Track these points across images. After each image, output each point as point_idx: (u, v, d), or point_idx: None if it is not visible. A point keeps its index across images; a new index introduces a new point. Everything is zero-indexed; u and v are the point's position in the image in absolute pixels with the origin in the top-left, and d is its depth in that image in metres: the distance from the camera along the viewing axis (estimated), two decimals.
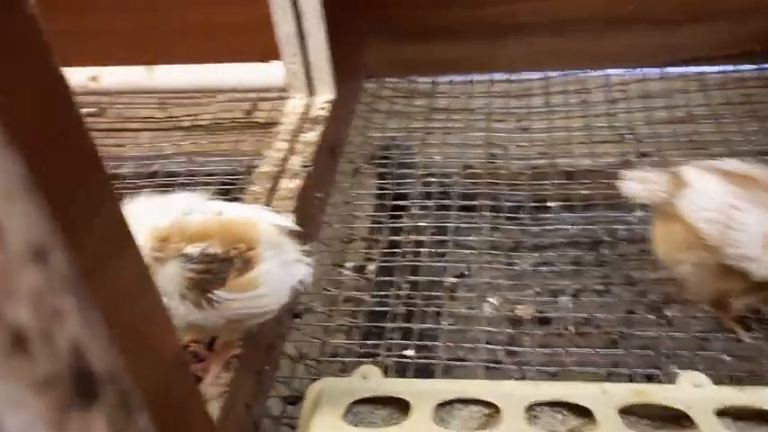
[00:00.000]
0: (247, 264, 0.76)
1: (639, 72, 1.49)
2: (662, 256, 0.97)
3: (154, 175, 1.43)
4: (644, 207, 1.17)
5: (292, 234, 0.81)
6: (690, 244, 0.91)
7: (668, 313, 1.05)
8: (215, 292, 0.75)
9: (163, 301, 0.64)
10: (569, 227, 1.19)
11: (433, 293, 1.09)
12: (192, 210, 0.77)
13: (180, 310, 0.73)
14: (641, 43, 1.48)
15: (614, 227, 1.18)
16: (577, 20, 1.48)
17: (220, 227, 0.77)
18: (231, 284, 0.75)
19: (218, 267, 0.75)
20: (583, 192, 1.26)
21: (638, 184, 0.96)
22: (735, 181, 0.90)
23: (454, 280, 1.10)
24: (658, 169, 0.97)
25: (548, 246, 1.22)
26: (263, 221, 0.79)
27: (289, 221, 0.83)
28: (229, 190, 1.35)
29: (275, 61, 1.37)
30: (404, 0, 1.49)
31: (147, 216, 0.75)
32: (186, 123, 1.60)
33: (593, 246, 1.19)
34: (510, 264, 1.15)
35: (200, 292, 0.74)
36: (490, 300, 1.07)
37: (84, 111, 1.72)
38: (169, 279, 0.73)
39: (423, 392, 0.81)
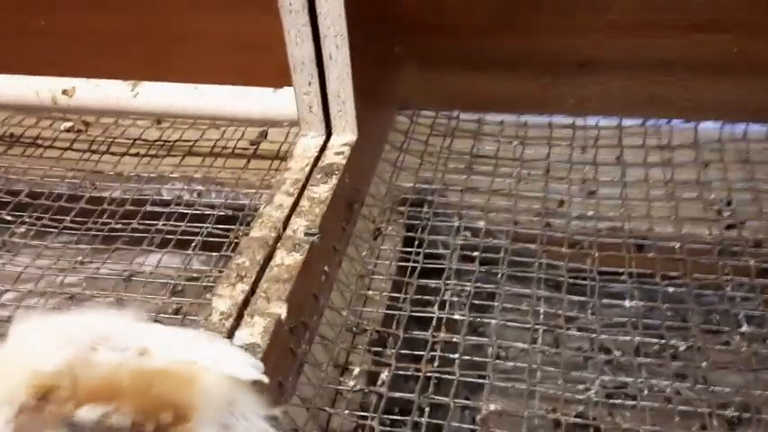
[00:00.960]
0: None
1: (740, 129, 1.19)
2: None
3: (132, 215, 1.17)
4: None
5: (257, 389, 0.53)
6: None
7: None
8: None
9: None
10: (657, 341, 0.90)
11: (464, 427, 0.80)
12: (103, 340, 0.49)
13: None
14: (744, 93, 1.18)
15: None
16: (664, 61, 1.19)
17: (138, 378, 0.48)
18: None
19: None
20: (665, 286, 0.98)
21: None
22: None
23: (494, 407, 0.82)
24: None
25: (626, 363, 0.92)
26: (210, 371, 0.51)
27: (253, 368, 0.55)
28: (219, 243, 1.09)
29: (287, 88, 1.09)
30: (448, 22, 1.21)
31: (31, 351, 0.48)
32: (182, 150, 1.36)
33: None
34: (571, 386, 0.87)
35: None
36: None
37: (64, 125, 1.49)
38: None
39: None
